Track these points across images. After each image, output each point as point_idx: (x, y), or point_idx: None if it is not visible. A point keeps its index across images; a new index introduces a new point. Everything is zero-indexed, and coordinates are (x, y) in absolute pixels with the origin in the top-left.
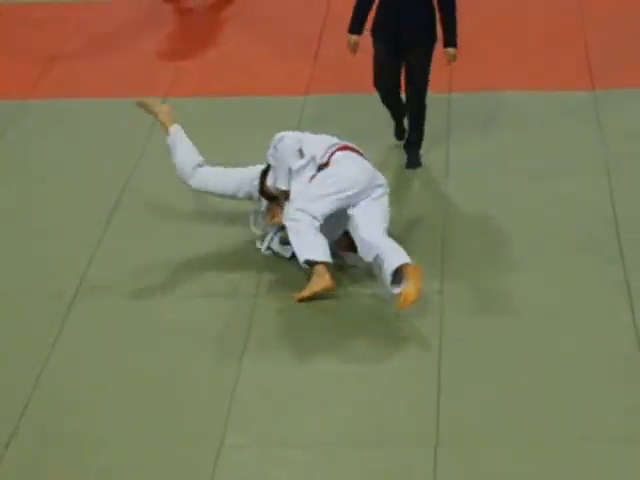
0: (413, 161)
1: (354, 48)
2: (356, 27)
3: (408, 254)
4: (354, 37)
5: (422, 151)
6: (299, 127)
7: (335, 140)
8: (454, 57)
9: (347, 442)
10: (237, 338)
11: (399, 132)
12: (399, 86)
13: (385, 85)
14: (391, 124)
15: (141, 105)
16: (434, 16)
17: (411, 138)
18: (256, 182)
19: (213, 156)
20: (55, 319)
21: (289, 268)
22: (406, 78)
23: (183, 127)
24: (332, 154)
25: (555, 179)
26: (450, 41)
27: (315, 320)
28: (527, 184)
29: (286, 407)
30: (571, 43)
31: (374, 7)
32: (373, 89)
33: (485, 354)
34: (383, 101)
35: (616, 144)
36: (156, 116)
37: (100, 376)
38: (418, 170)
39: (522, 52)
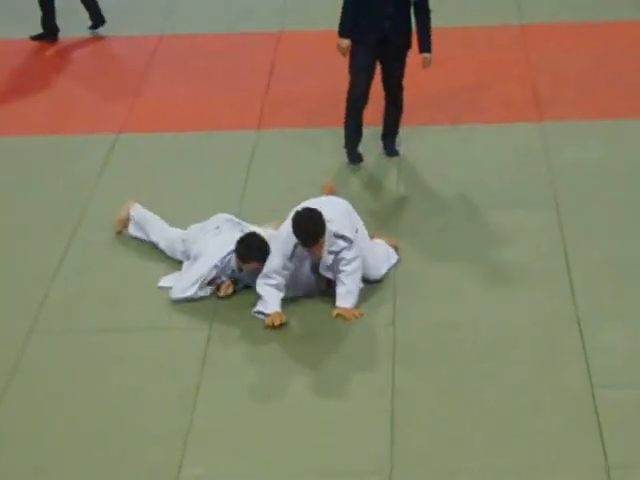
0: (392, 150)
1: (345, 51)
2: (347, 30)
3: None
4: (346, 41)
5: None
6: (252, 161)
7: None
8: (429, 62)
9: (303, 473)
10: (192, 371)
11: (353, 155)
12: (369, 90)
13: (362, 86)
14: (341, 156)
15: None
16: (412, 24)
17: (391, 129)
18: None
19: (168, 190)
20: (9, 352)
21: (244, 300)
22: (388, 79)
23: (137, 163)
24: None
25: (505, 208)
26: (426, 47)
27: (269, 354)
28: (479, 214)
29: (241, 440)
30: (519, 78)
31: (357, 12)
32: (324, 123)
33: (437, 386)
34: (354, 107)
35: (563, 174)
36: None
37: (52, 408)
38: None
39: (472, 86)
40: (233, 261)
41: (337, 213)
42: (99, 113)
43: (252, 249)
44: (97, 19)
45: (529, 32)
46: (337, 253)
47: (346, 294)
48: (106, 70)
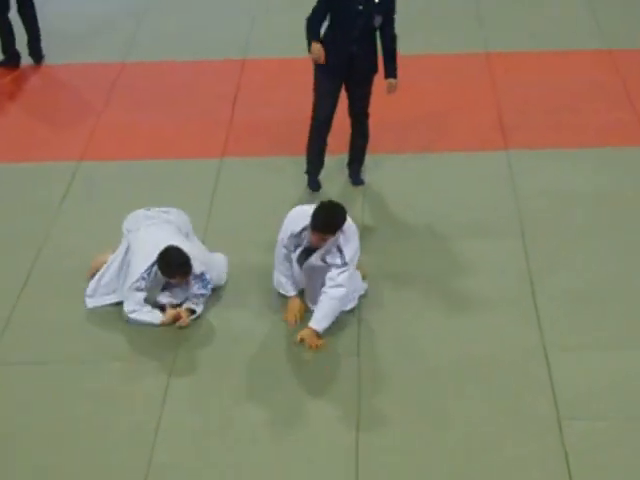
0: (357, 179)
1: (320, 55)
2: (317, 35)
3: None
4: (318, 45)
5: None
6: (215, 189)
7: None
8: (394, 88)
9: None
10: (153, 403)
11: (314, 182)
12: (333, 115)
13: (326, 111)
14: (305, 185)
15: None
16: (377, 48)
17: (356, 158)
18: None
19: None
20: None
21: (206, 329)
22: (354, 106)
23: (99, 191)
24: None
25: (471, 237)
26: (392, 73)
27: (232, 385)
28: (444, 242)
29: (203, 474)
30: (484, 106)
31: (323, 35)
32: (288, 151)
33: (402, 415)
34: (317, 132)
35: (529, 203)
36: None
37: (6, 441)
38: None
39: (438, 114)
40: (159, 274)
41: (355, 236)
42: (60, 141)
43: (173, 266)
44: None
45: (495, 60)
46: (328, 265)
47: (321, 318)
48: (68, 97)
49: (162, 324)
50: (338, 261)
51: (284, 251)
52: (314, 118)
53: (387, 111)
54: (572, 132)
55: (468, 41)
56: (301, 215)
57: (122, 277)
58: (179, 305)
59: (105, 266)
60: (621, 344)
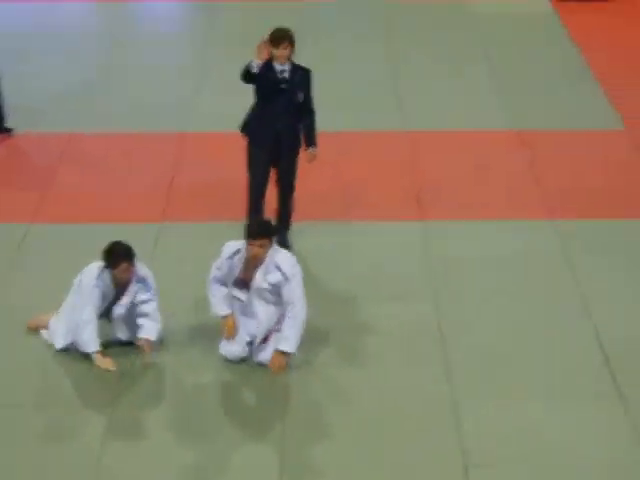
0: (285, 241)
1: (263, 48)
2: (255, 67)
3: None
4: (256, 62)
5: None
6: (154, 254)
7: None
8: (314, 156)
9: None
10: (91, 448)
11: None
12: (266, 186)
13: (259, 182)
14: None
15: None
16: (299, 123)
17: (283, 223)
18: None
19: (68, 282)
20: None
21: (145, 376)
22: (281, 178)
23: (45, 254)
24: None
25: (387, 300)
26: (311, 142)
27: (168, 427)
28: (361, 304)
29: None
30: (402, 180)
31: (251, 111)
32: (226, 217)
33: (322, 466)
34: (254, 201)
35: (442, 270)
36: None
37: None
38: None
39: (359, 185)
40: (108, 278)
41: (286, 254)
42: (9, 205)
43: (118, 252)
44: None
45: (413, 138)
46: (274, 285)
47: (285, 340)
48: (18, 165)
49: (96, 361)
50: (280, 277)
51: (218, 274)
52: (249, 187)
53: (311, 182)
54: (481, 205)
55: (389, 120)
56: (234, 244)
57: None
58: (131, 343)
59: (59, 311)
60: (525, 395)
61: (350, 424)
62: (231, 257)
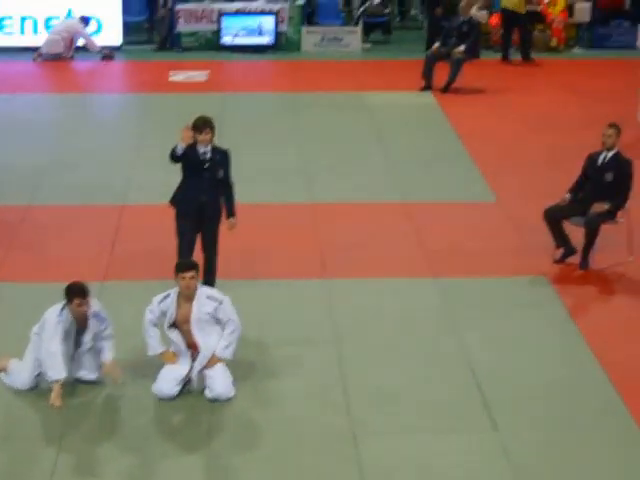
0: None
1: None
2: (179, 150)
3: None
4: (181, 145)
5: None
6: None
7: None
8: (234, 225)
9: None
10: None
11: None
12: (192, 251)
13: (186, 249)
14: None
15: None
16: (220, 196)
17: (208, 280)
18: None
19: (24, 336)
20: None
21: (93, 410)
22: (205, 244)
23: None
24: None
25: (293, 347)
26: (231, 213)
27: (114, 458)
28: (270, 351)
29: None
30: (308, 244)
31: (178, 185)
32: (161, 277)
33: None
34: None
35: (343, 318)
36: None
37: None
38: None
39: (269, 249)
40: (69, 315)
41: (213, 288)
42: None
43: (73, 289)
44: None
45: (317, 209)
46: (210, 313)
47: (224, 348)
48: None
49: (53, 392)
50: (214, 303)
51: (152, 316)
52: (178, 252)
53: (230, 246)
54: (376, 265)
55: (295, 194)
56: (163, 293)
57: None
58: (93, 382)
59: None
60: (421, 428)
61: (249, 455)
62: (162, 301)
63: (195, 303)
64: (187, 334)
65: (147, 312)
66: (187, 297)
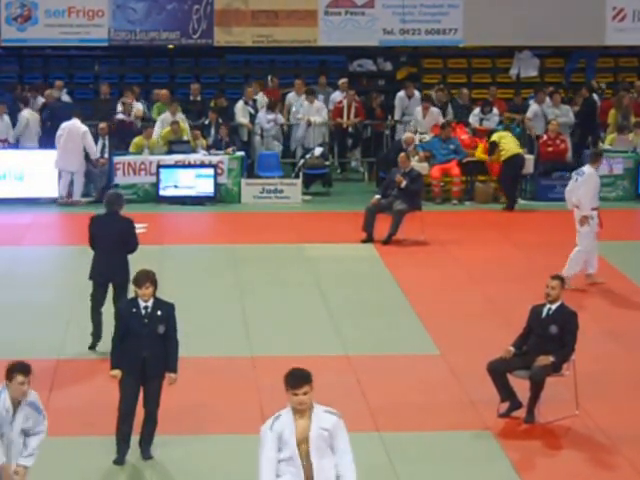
0: (147, 454)
1: (118, 376)
2: (116, 364)
3: None
4: (117, 371)
5: None
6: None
7: None
8: (174, 380)
9: None
10: None
11: (120, 460)
12: (135, 406)
13: (128, 404)
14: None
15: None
16: (164, 353)
17: (146, 438)
18: None
19: None
20: None
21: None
22: (146, 399)
23: None
24: None
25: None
26: (173, 368)
27: None
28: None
29: None
30: (248, 398)
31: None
32: (99, 432)
33: None
34: (122, 421)
35: None
36: None
37: None
38: None
39: (210, 404)
40: (7, 396)
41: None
42: None
43: (16, 367)
44: None
45: (257, 362)
46: (329, 430)
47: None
48: None
49: None
50: (334, 418)
51: (270, 454)
52: (119, 409)
53: (171, 400)
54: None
55: (236, 346)
56: (268, 421)
57: None
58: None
59: None
60: None
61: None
62: (272, 426)
63: (314, 420)
64: (304, 457)
65: (264, 450)
66: (301, 413)
